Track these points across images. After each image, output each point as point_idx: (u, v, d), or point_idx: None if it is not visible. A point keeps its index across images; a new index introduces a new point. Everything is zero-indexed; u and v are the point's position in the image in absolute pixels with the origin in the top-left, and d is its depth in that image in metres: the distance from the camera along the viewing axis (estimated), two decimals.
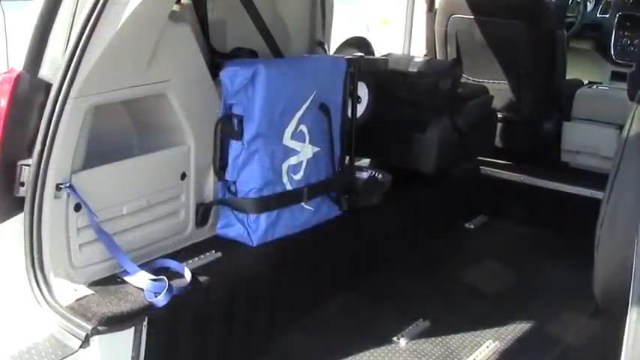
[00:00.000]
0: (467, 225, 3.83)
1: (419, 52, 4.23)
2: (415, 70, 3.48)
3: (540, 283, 3.21)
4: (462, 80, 3.84)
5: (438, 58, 4.17)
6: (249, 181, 2.65)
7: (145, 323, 2.20)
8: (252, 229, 2.66)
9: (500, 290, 3.13)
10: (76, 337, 2.07)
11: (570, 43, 4.35)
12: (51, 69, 2.17)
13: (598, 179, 3.73)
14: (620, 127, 3.15)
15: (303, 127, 2.78)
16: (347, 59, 2.98)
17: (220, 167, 2.67)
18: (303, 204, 2.83)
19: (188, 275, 2.37)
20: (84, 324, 2.09)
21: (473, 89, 3.79)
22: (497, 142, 3.98)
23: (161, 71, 2.42)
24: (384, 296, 3.06)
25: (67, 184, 2.20)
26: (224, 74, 2.59)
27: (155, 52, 2.36)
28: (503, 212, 3.86)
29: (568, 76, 4.06)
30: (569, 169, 3.94)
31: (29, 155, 2.14)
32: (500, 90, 3.98)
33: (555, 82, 3.96)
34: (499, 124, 3.96)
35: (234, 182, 2.67)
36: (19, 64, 2.15)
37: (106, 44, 2.14)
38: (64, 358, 2.05)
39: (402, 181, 3.37)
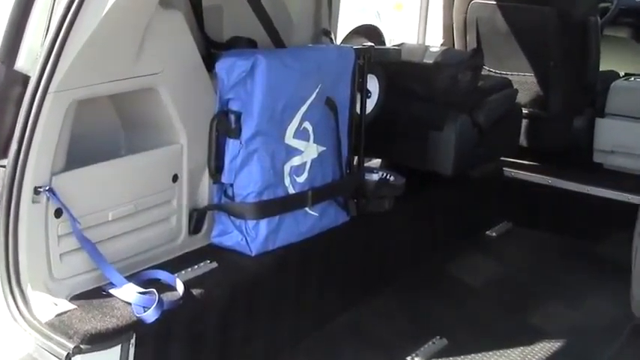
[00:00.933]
0: (488, 233, 3.83)
1: (435, 41, 4.23)
2: (431, 62, 3.48)
3: (570, 299, 3.19)
4: (483, 72, 3.83)
5: (456, 47, 4.17)
6: (247, 183, 2.65)
7: (133, 341, 2.19)
8: (250, 236, 2.67)
9: (526, 306, 3.13)
10: (56, 356, 2.06)
11: (605, 31, 4.34)
12: (28, 60, 2.17)
13: (635, 182, 3.75)
14: None
15: (307, 125, 2.78)
16: (356, 49, 2.98)
17: (216, 169, 2.68)
18: (307, 209, 2.84)
19: (180, 288, 2.38)
20: (65, 342, 2.09)
21: (495, 82, 3.79)
22: (522, 140, 3.98)
23: (151, 63, 2.42)
24: (396, 312, 3.06)
25: (47, 188, 2.19)
26: (220, 66, 2.60)
27: (144, 42, 2.36)
28: (528, 219, 3.86)
29: (602, 68, 4.05)
30: (603, 170, 3.93)
31: (4, 155, 2.14)
32: (525, 83, 3.98)
33: (588, 74, 3.95)
34: (524, 121, 3.95)
35: (232, 185, 2.67)
36: None
37: (90, 33, 2.14)
38: None
39: (416, 183, 3.38)
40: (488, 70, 4.05)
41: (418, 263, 3.39)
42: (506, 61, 4.01)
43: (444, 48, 3.84)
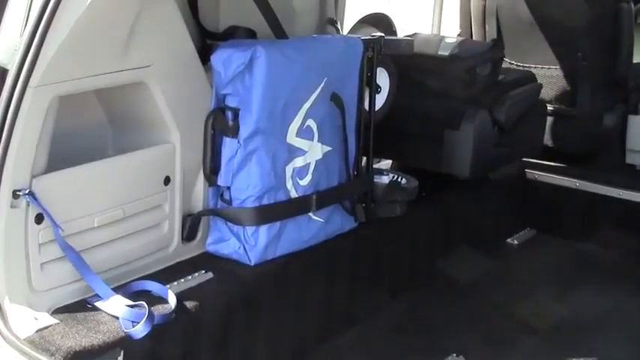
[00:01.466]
0: (510, 241, 3.83)
1: (451, 31, 4.23)
2: (447, 54, 3.49)
3: (599, 314, 3.16)
4: (504, 65, 3.84)
5: (474, 38, 4.17)
6: (246, 186, 2.66)
7: (121, 358, 2.19)
8: (249, 244, 2.69)
9: (550, 322, 3.12)
10: None
11: (639, 19, 4.32)
12: (7, 53, 2.17)
13: None
14: None
15: (311, 123, 2.80)
16: (364, 40, 2.99)
17: (212, 170, 2.69)
18: (311, 214, 2.86)
19: (173, 300, 2.38)
20: None
21: (517, 76, 3.79)
22: (547, 139, 3.97)
23: (140, 55, 2.43)
24: (408, 326, 3.06)
25: (27, 191, 2.20)
26: (216, 58, 2.61)
27: (133, 32, 2.37)
28: (553, 225, 3.86)
29: (636, 60, 4.04)
30: (636, 172, 3.92)
31: None
32: (550, 77, 3.98)
33: (619, 67, 3.94)
34: (549, 119, 3.95)
35: (229, 188, 2.69)
36: None
37: (73, 22, 2.15)
38: None
39: (430, 187, 3.38)
40: (510, 63, 4.04)
41: (432, 274, 3.39)
42: (529, 53, 4.01)
43: (460, 39, 3.84)
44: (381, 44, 3.06)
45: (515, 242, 3.82)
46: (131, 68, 2.41)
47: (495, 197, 3.77)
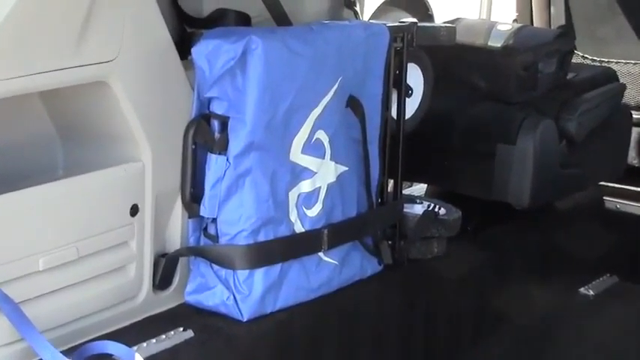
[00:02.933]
0: (584, 290, 3.81)
1: (505, 16, 4.23)
2: (499, 45, 3.50)
3: None
4: (575, 60, 3.84)
5: (535, 24, 4.19)
6: (237, 218, 2.67)
7: None
8: (241, 294, 2.68)
9: None
10: None
11: None
12: None
13: None
14: None
15: (321, 135, 2.81)
16: (391, 28, 2.99)
17: (192, 197, 2.70)
18: (321, 255, 2.86)
19: None
20: None
21: (593, 74, 3.80)
22: (632, 158, 3.97)
23: (99, 47, 2.42)
24: None
25: None
26: (199, 51, 2.60)
27: (89, 17, 2.36)
28: None
29: None
30: None
31: None
32: (636, 75, 3.96)
33: None
34: (635, 130, 3.95)
35: (215, 221, 2.69)
36: None
37: (11, 5, 2.15)
38: None
39: (477, 219, 3.39)
40: (583, 57, 4.05)
41: (483, 336, 3.38)
42: (608, 44, 4.02)
43: (518, 25, 3.82)
44: (413, 33, 3.06)
45: (591, 292, 3.80)
46: (87, 64, 2.39)
47: (564, 233, 3.76)
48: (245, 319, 2.68)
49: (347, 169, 2.90)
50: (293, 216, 2.77)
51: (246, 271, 2.68)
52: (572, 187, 3.71)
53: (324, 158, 2.83)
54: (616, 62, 3.98)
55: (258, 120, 2.62)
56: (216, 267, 2.70)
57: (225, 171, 2.64)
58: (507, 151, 3.40)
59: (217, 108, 2.65)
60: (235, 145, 2.63)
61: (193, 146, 2.67)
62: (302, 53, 2.70)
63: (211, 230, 2.71)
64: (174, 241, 2.73)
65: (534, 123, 3.41)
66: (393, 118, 3.07)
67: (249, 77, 2.59)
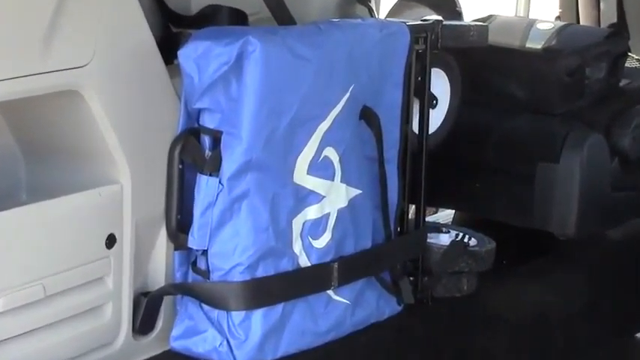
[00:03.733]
0: None
1: (546, 13, 4.22)
2: (539, 46, 3.49)
3: None
4: (629, 64, 3.84)
5: (581, 22, 4.19)
6: (232, 250, 2.67)
7: None
8: (237, 339, 2.68)
9: None
10: None
11: None
12: None
13: None
14: None
15: (330, 152, 2.81)
16: (412, 27, 3.00)
17: (179, 226, 2.71)
18: (331, 293, 2.86)
19: None
20: None
21: None
22: None
23: (70, 50, 2.42)
24: None
25: None
26: (186, 55, 2.61)
27: (58, 15, 2.36)
28: None
29: None
30: None
31: None
32: None
33: None
34: None
35: (205, 253, 2.69)
36: None
37: None
38: None
39: (514, 251, 3.39)
40: (638, 61, 4.03)
41: None
42: None
43: (561, 24, 3.82)
44: (437, 33, 3.07)
45: None
46: (55, 70, 2.39)
47: (616, 268, 3.75)
48: None
49: (360, 192, 2.90)
50: (297, 247, 2.77)
51: (242, 313, 2.67)
52: (625, 214, 3.70)
53: (333, 180, 2.83)
54: None
55: (256, 135, 2.62)
56: (206, 307, 2.69)
57: (217, 195, 2.64)
58: (549, 171, 3.40)
59: (208, 121, 2.66)
60: (229, 165, 2.63)
61: (180, 166, 2.67)
62: (307, 57, 2.70)
63: (201, 264, 2.70)
64: (158, 277, 2.73)
65: (581, 138, 3.42)
66: (414, 132, 3.07)
67: (245, 85, 2.59)
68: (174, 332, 2.72)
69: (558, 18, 4.21)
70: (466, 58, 3.24)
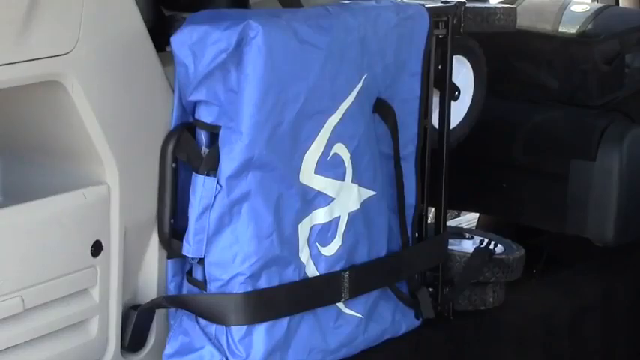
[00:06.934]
0: None
1: None
2: (574, 31, 3.49)
3: None
4: None
5: (620, 4, 4.22)
6: (231, 258, 2.66)
7: None
8: (237, 357, 2.68)
9: None
10: None
11: None
12: None
13: None
14: None
15: (340, 149, 2.80)
16: (431, 9, 2.99)
17: (173, 231, 2.69)
18: (341, 305, 2.86)
19: None
20: None
21: None
22: None
23: (51, 36, 2.41)
24: None
25: None
26: (180, 41, 2.60)
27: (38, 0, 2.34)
28: None
29: None
30: None
31: None
32: None
33: None
34: None
35: (202, 261, 2.68)
36: None
37: None
38: None
39: (546, 259, 3.41)
40: None
41: None
42: None
43: (598, 5, 3.86)
44: (460, 16, 3.06)
45: None
46: (34, 58, 2.38)
47: None
48: None
49: (374, 193, 2.90)
50: (304, 255, 2.76)
51: (243, 328, 2.66)
52: None
53: (344, 180, 2.82)
54: None
55: (258, 130, 2.61)
56: (203, 322, 2.69)
57: (215, 197, 2.63)
58: (585, 170, 3.40)
59: (205, 115, 2.64)
60: (228, 163, 2.62)
61: (174, 165, 2.67)
62: (315, 43, 2.69)
63: (197, 274, 2.70)
64: (149, 288, 2.73)
65: (620, 132, 3.42)
66: (434, 127, 3.07)
67: (246, 75, 2.58)
68: (168, 349, 2.72)
69: None
70: (492, 44, 3.25)
